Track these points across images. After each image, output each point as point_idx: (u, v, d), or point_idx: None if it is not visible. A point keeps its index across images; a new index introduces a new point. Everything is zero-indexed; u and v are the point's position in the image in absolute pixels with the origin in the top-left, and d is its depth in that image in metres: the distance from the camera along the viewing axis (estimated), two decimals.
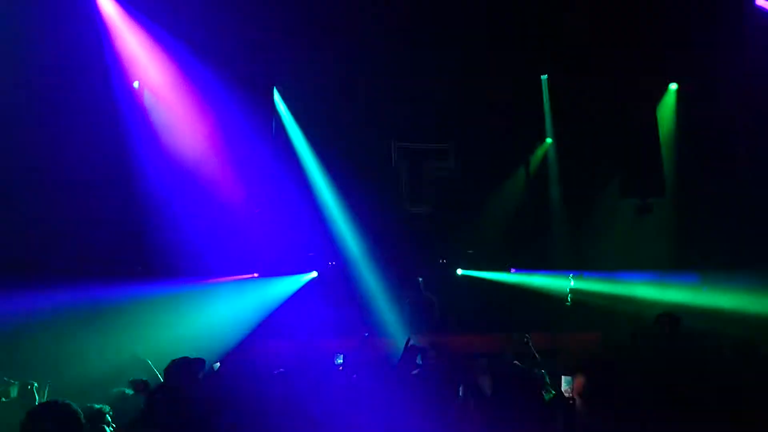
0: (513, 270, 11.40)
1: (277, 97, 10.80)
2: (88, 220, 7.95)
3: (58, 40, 7.89)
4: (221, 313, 9.47)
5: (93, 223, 8.02)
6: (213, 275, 9.79)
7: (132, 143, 8.53)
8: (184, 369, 5.00)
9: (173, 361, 5.06)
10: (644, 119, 10.89)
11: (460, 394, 5.18)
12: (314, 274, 11.03)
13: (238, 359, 8.17)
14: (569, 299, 10.08)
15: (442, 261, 11.68)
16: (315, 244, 11.02)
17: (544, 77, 11.49)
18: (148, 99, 9.29)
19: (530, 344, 7.26)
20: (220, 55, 9.17)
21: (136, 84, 9.22)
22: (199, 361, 5.57)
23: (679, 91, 11.22)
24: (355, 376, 6.29)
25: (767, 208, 9.72)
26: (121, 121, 8.43)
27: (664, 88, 11.27)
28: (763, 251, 9.20)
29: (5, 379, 5.01)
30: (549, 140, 11.84)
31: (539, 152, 12.01)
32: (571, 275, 10.18)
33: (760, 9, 9.49)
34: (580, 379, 3.93)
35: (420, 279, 9.60)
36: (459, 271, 11.52)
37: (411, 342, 6.21)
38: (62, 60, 7.88)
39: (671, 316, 6.30)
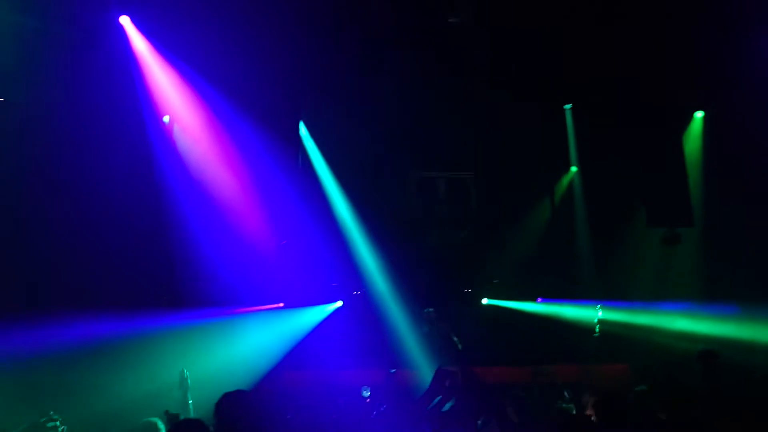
0: (540, 300, 11.28)
1: (303, 130, 10.98)
2: (119, 251, 8.11)
3: (91, 76, 8.19)
4: (248, 343, 9.53)
5: (123, 254, 8.19)
6: (240, 305, 9.87)
7: (162, 176, 8.72)
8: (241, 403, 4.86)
9: (226, 394, 4.95)
10: (670, 147, 10.80)
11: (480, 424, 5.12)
12: (339, 303, 11.04)
13: (265, 391, 8.19)
14: (597, 330, 9.90)
15: (467, 290, 11.61)
16: (339, 274, 11.05)
17: (567, 106, 11.49)
18: (178, 133, 9.53)
19: (556, 379, 7.17)
20: (247, 90, 9.37)
21: (166, 119, 9.48)
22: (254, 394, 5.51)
23: (705, 119, 11.13)
24: (383, 408, 6.26)
25: None
26: (152, 156, 8.65)
27: (690, 116, 11.21)
28: None
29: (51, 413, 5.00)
30: (574, 168, 11.80)
31: (564, 181, 11.96)
32: (599, 305, 10.02)
33: None
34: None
35: (430, 310, 9.44)
36: (484, 301, 11.42)
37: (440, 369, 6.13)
38: (95, 97, 8.15)
39: (710, 353, 6.11)
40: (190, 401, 5.82)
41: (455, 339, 8.33)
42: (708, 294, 10.07)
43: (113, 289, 8.00)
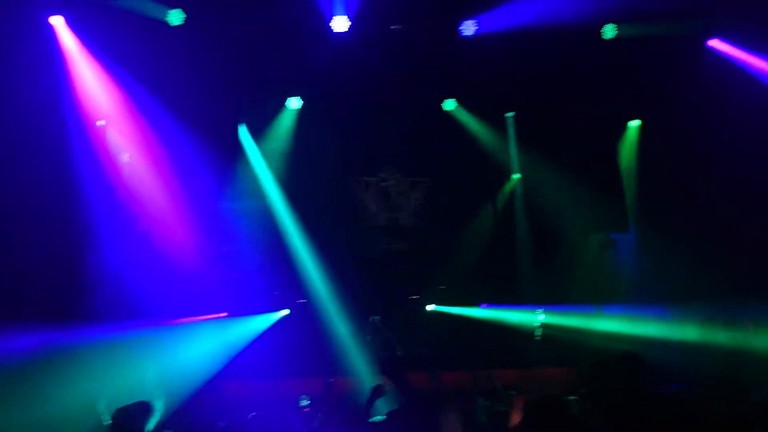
0: (483, 305, 11.41)
1: (243, 134, 10.81)
2: (44, 261, 7.77)
3: (10, 77, 7.84)
4: (186, 354, 9.30)
5: (49, 265, 7.85)
6: (178, 316, 9.64)
7: (89, 182, 8.39)
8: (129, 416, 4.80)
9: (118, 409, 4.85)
10: (606, 155, 11.14)
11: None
12: (286, 312, 10.91)
13: (198, 404, 8.00)
14: (538, 334, 10.09)
15: (413, 297, 11.65)
16: (283, 282, 10.92)
17: (509, 114, 11.72)
18: (112, 138, 9.24)
19: (495, 382, 7.25)
20: (185, 94, 9.17)
21: (101, 123, 9.18)
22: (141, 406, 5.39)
23: (640, 128, 11.52)
24: (320, 414, 6.20)
25: (726, 241, 9.96)
26: (76, 161, 8.30)
27: (626, 125, 11.59)
28: (723, 283, 9.38)
29: None
30: (516, 176, 12.03)
31: (507, 188, 12.17)
32: (540, 310, 10.23)
33: (711, 49, 9.91)
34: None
35: (376, 318, 9.47)
36: (430, 307, 11.49)
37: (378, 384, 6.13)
38: (14, 98, 7.80)
39: (632, 355, 6.29)
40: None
41: (396, 346, 8.34)
42: (640, 297, 10.41)
43: (36, 301, 7.65)
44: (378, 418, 5.06)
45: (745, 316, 9.48)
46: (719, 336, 8.82)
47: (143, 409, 5.30)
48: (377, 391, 5.64)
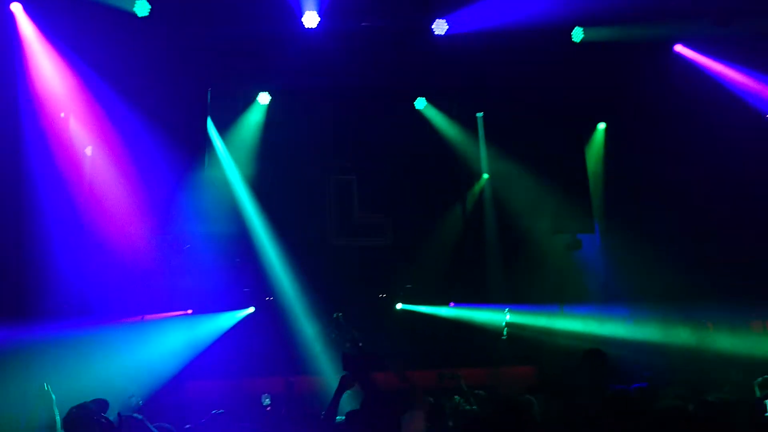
0: (452, 304, 11.44)
1: (210, 127, 10.63)
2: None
3: None
4: (150, 352, 9.12)
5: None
6: (142, 313, 9.45)
7: (42, 175, 8.12)
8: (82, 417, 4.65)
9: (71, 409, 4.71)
10: (574, 157, 11.25)
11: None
12: (251, 309, 10.78)
13: (162, 401, 7.84)
14: (505, 333, 10.16)
15: (382, 296, 11.62)
16: (251, 280, 10.78)
17: (479, 114, 11.76)
18: (74, 131, 8.98)
19: (461, 381, 7.26)
20: (149, 86, 8.95)
21: (62, 114, 8.92)
22: (98, 403, 5.27)
23: (606, 130, 11.67)
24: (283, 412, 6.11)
25: (688, 242, 10.16)
26: (31, 153, 8.02)
27: (593, 127, 11.73)
28: (684, 284, 9.57)
29: None
30: (486, 176, 12.08)
31: (476, 188, 12.21)
32: (507, 309, 10.29)
33: (678, 54, 10.09)
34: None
35: (339, 314, 9.41)
36: (398, 306, 11.47)
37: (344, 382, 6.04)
38: None
39: (596, 352, 6.38)
40: (58, 417, 5.49)
41: (360, 344, 8.28)
42: (605, 297, 10.56)
43: None
44: (338, 418, 4.98)
45: (705, 316, 9.71)
46: (680, 335, 9.01)
47: (100, 405, 5.19)
48: (345, 382, 5.55)
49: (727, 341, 9.03)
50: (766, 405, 4.55)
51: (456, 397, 7.26)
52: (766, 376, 6.36)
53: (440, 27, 9.46)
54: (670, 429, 3.65)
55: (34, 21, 8.44)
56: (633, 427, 3.84)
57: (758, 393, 6.42)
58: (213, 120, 10.53)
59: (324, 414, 5.36)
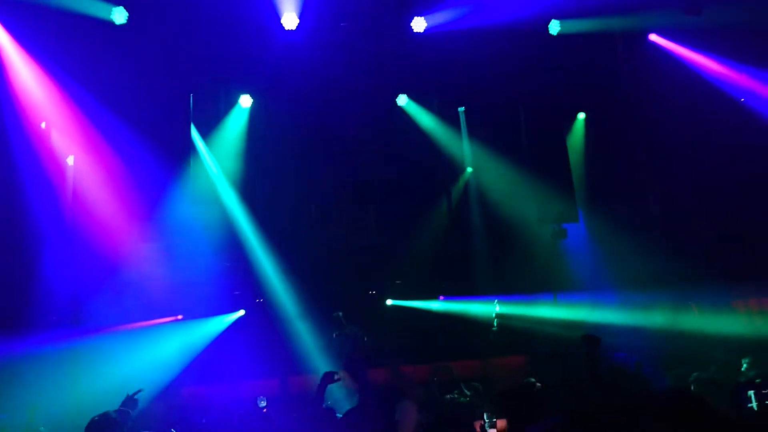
0: (442, 298, 11.55)
1: (193, 133, 10.59)
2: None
3: None
4: (144, 358, 9.09)
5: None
6: (131, 321, 9.40)
7: (27, 186, 8.05)
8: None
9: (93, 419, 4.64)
10: (556, 147, 11.39)
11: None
12: (241, 312, 10.78)
13: (160, 406, 7.84)
14: (495, 324, 10.29)
15: (372, 293, 11.69)
16: (240, 282, 10.78)
17: (461, 109, 11.86)
18: (55, 141, 8.90)
19: (453, 374, 7.36)
20: (130, 93, 8.90)
21: (42, 124, 8.82)
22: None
23: (585, 120, 11.84)
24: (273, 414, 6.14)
25: (671, 229, 10.38)
26: (16, 162, 7.95)
27: (574, 117, 11.89)
28: (669, 269, 9.77)
29: None
30: (469, 170, 12.19)
31: (460, 182, 12.32)
32: (496, 301, 10.42)
33: (653, 44, 10.29)
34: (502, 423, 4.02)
35: (339, 314, 9.49)
36: (389, 302, 11.55)
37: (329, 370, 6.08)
38: None
39: (592, 337, 6.51)
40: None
41: (363, 337, 8.35)
42: (591, 285, 10.73)
43: None
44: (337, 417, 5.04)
45: (689, 299, 9.94)
46: (659, 318, 9.22)
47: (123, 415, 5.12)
48: (327, 377, 5.60)
49: (710, 322, 9.26)
50: (750, 396, 4.63)
51: (455, 392, 7.37)
52: (754, 358, 6.57)
53: (419, 25, 9.57)
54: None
55: (9, 31, 8.37)
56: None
57: (744, 368, 6.62)
58: (196, 125, 10.47)
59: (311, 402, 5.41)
